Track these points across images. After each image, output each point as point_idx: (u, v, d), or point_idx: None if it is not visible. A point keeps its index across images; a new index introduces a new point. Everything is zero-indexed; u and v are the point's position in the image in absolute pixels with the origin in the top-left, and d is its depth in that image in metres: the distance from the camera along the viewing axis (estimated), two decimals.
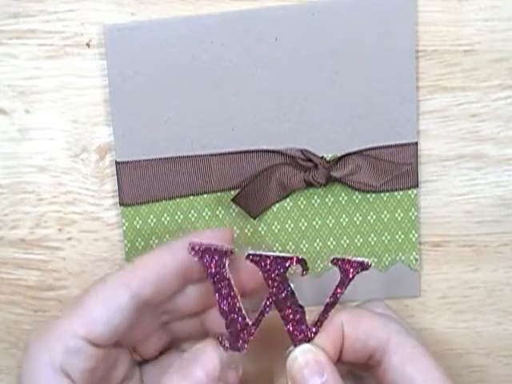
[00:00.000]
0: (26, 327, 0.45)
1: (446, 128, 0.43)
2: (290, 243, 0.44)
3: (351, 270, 0.36)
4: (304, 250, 0.44)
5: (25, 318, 0.45)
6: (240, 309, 0.35)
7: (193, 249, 0.35)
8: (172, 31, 0.41)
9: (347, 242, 0.44)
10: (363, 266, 0.36)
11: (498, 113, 0.43)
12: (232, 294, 0.35)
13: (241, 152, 0.43)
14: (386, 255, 0.44)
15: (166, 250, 0.36)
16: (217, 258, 0.35)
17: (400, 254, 0.44)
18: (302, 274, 0.35)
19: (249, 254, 0.35)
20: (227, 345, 0.36)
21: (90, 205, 0.44)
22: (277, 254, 0.35)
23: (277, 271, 0.35)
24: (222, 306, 0.35)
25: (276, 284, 0.35)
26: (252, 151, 0.43)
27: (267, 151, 0.42)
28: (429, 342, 0.45)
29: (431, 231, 0.44)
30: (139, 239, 0.43)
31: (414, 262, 0.44)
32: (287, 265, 0.35)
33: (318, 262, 0.44)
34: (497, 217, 0.44)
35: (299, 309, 0.36)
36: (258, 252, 0.35)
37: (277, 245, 0.44)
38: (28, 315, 0.45)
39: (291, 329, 0.36)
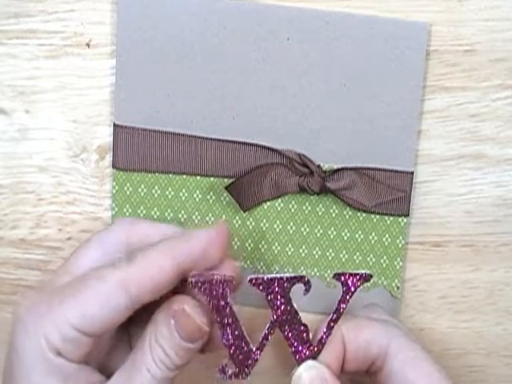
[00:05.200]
0: None
1: (446, 128, 0.43)
2: (276, 244, 0.44)
3: (353, 284, 0.36)
4: (289, 253, 0.44)
5: None
6: (243, 336, 0.35)
7: (193, 283, 0.34)
8: (187, 7, 0.41)
9: (332, 254, 0.44)
10: (365, 279, 0.36)
11: (498, 113, 0.43)
12: (235, 322, 0.34)
13: (239, 142, 0.42)
14: None
15: (165, 254, 0.35)
16: (218, 290, 0.34)
17: (382, 279, 0.44)
18: (305, 293, 0.35)
19: (251, 279, 0.34)
20: (230, 373, 0.35)
21: (89, 205, 0.44)
22: (279, 275, 0.35)
23: (281, 293, 0.35)
24: (224, 335, 0.35)
25: (280, 306, 0.35)
26: (250, 144, 0.42)
27: (265, 148, 0.42)
28: (429, 342, 0.45)
29: (431, 231, 0.44)
30: (127, 206, 0.43)
31: (395, 289, 0.44)
32: (291, 285, 0.35)
33: (302, 268, 0.44)
34: (497, 217, 0.44)
35: (303, 328, 0.36)
36: (260, 276, 0.34)
37: (262, 242, 0.44)
38: None
39: (295, 349, 0.36)
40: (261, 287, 0.35)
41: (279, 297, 0.35)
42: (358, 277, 0.36)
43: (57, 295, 0.35)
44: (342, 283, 0.36)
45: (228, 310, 0.34)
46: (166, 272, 0.34)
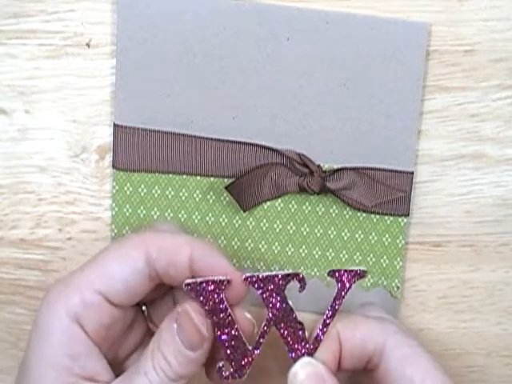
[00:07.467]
0: (26, 327, 0.45)
1: (446, 128, 0.43)
2: (276, 244, 0.44)
3: (348, 281, 0.36)
4: (289, 253, 0.44)
5: (25, 318, 0.45)
6: (240, 336, 0.35)
7: (188, 285, 0.34)
8: (187, 7, 0.41)
9: (332, 254, 0.44)
10: (360, 275, 0.36)
11: (498, 113, 0.43)
12: (231, 323, 0.35)
13: (239, 142, 0.42)
14: (369, 276, 0.44)
15: (184, 238, 0.36)
16: (213, 291, 0.34)
17: (382, 279, 0.44)
18: (300, 291, 0.35)
19: (246, 277, 0.35)
20: (227, 374, 0.35)
21: (89, 205, 0.44)
22: (274, 273, 0.35)
23: (276, 291, 0.35)
24: (221, 336, 0.35)
25: (275, 304, 0.35)
26: (250, 144, 0.42)
27: (265, 148, 0.42)
28: (429, 342, 0.45)
29: (431, 231, 0.44)
30: (127, 205, 0.43)
31: (395, 289, 0.44)
32: (286, 283, 0.35)
33: (302, 268, 0.44)
34: (497, 217, 0.44)
35: (299, 326, 0.36)
36: (255, 274, 0.35)
37: (262, 242, 0.44)
38: (28, 315, 0.45)
39: (291, 347, 0.36)
40: (256, 285, 0.35)
41: (274, 294, 0.35)
42: (352, 273, 0.36)
43: (79, 268, 0.36)
44: (337, 280, 0.36)
45: (222, 312, 0.34)
46: (182, 252, 0.35)
